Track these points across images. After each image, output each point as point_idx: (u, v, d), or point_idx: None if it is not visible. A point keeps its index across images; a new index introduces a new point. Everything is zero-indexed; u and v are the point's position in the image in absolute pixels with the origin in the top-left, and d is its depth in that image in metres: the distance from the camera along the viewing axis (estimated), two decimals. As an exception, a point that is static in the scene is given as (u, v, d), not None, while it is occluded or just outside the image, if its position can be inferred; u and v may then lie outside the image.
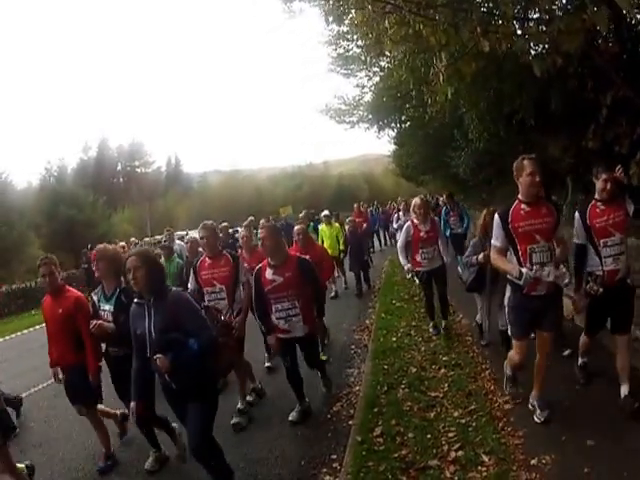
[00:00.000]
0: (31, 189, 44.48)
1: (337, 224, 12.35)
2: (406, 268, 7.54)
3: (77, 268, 26.15)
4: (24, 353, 10.94)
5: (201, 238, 5.64)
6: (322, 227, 12.20)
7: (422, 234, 7.22)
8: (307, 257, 5.53)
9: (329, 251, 10.59)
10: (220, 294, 5.55)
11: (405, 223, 8.01)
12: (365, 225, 15.97)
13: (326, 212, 12.80)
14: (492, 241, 4.34)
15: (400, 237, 7.69)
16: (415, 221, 7.33)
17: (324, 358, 6.78)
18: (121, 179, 61.60)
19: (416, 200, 7.58)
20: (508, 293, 4.42)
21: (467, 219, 11.76)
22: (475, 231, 7.50)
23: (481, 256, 5.67)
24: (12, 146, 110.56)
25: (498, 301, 5.76)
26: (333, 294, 11.78)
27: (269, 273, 5.07)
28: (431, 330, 7.60)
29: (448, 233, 10.93)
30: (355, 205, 17.78)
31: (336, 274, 12.09)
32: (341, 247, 11.82)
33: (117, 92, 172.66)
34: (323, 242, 11.61)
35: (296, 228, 7.51)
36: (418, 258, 7.34)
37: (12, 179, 36.71)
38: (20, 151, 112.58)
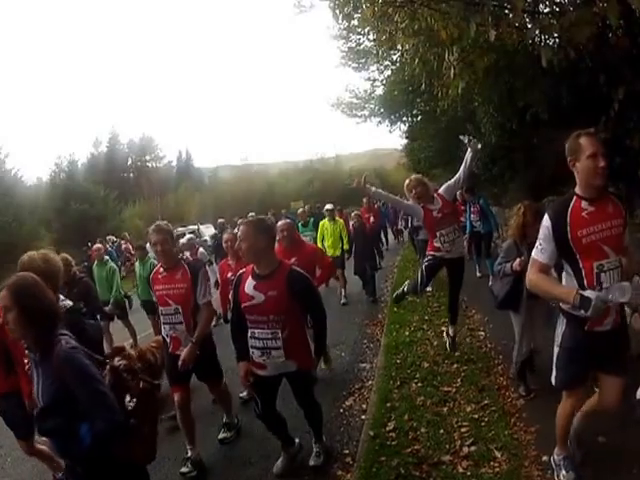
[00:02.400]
0: (41, 185, 44.17)
1: (341, 220, 11.15)
2: None
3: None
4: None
5: (154, 244, 4.44)
6: (323, 223, 10.94)
7: (434, 214, 5.85)
8: (294, 263, 4.30)
9: (330, 251, 10.27)
10: (176, 316, 4.44)
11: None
12: (373, 220, 14.11)
13: (329, 206, 11.47)
14: (533, 253, 3.11)
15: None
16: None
17: (325, 367, 6.35)
18: (132, 174, 61.27)
19: (407, 181, 6.16)
20: (560, 328, 3.18)
21: (493, 218, 10.35)
22: (506, 232, 7.05)
23: (517, 262, 4.36)
24: (21, 143, 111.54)
25: (541, 319, 4.57)
26: (344, 300, 10.56)
27: (249, 285, 3.84)
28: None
29: (468, 230, 10.42)
30: (364, 199, 15.08)
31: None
32: (345, 246, 10.67)
33: (127, 87, 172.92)
34: (324, 240, 10.75)
35: (280, 223, 5.82)
36: (437, 243, 5.95)
37: (22, 175, 36.23)
38: (29, 147, 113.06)
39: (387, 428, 4.60)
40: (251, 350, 3.87)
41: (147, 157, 62.39)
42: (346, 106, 19.57)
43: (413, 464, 3.91)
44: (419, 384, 5.54)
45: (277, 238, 4.95)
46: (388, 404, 5.12)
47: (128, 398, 2.67)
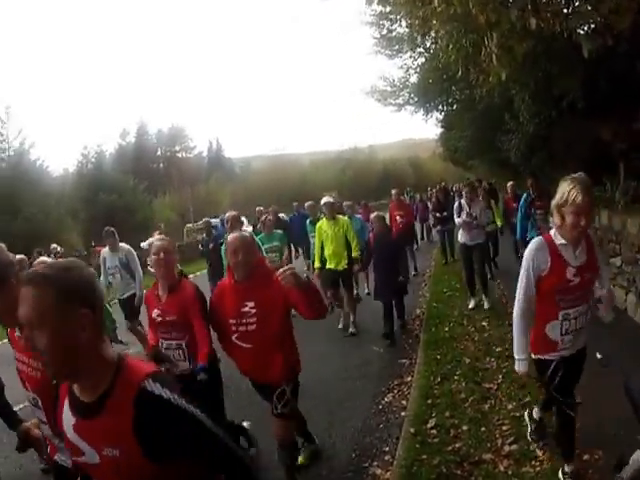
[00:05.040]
0: (68, 176, 43.66)
1: (344, 218, 8.51)
2: None
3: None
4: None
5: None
6: (321, 224, 8.21)
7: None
8: (255, 315, 3.43)
9: (332, 263, 8.03)
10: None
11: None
12: (403, 220, 12.02)
13: (327, 198, 8.53)
14: None
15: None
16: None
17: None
18: (161, 164, 61.48)
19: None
20: None
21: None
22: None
23: None
24: (48, 134, 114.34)
25: None
26: (352, 330, 8.03)
27: (67, 423, 1.99)
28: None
29: (533, 234, 7.33)
30: (393, 192, 12.55)
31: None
32: (354, 253, 8.00)
33: (156, 77, 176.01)
34: (323, 249, 8.13)
35: (230, 238, 3.60)
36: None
37: (48, 165, 35.96)
38: (56, 139, 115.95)
39: (428, 425, 4.58)
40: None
41: (177, 147, 62.51)
42: (380, 94, 19.36)
43: (454, 463, 3.89)
44: (460, 380, 5.50)
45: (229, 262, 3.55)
46: (429, 400, 5.10)
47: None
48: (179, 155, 62.83)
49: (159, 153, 61.77)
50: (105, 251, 8.09)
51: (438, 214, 13.27)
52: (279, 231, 9.22)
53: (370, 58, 19.92)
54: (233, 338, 3.52)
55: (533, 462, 3.65)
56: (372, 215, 8.80)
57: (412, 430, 4.53)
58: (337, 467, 4.26)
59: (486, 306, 8.17)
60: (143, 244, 7.39)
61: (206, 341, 3.70)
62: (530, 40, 6.80)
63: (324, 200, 8.36)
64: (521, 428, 4.17)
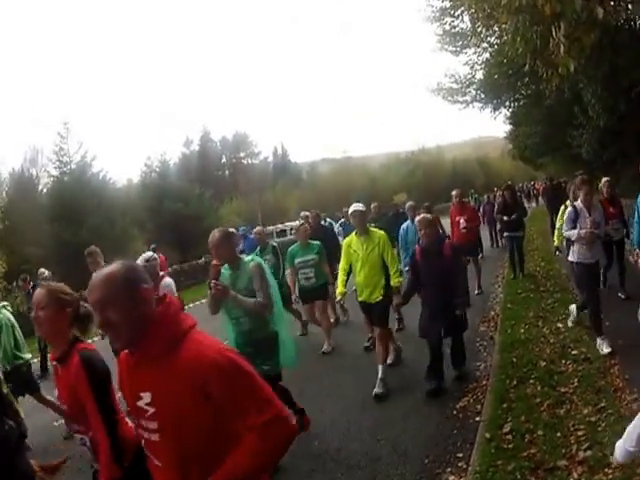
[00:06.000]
0: (132, 186, 44.74)
1: (381, 232, 6.38)
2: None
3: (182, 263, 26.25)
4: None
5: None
6: (349, 241, 6.41)
7: None
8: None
9: (364, 294, 6.31)
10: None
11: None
12: (466, 226, 10.30)
13: (356, 205, 6.43)
14: None
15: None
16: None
17: None
18: (227, 171, 62.50)
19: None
20: None
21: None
22: None
23: None
24: (111, 146, 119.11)
25: None
26: (375, 390, 5.96)
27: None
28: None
29: None
30: (454, 193, 10.79)
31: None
32: (392, 280, 6.14)
33: (217, 85, 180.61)
34: (349, 274, 6.55)
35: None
36: None
37: (111, 177, 36.85)
38: (119, 150, 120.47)
39: (503, 430, 4.55)
40: None
41: (242, 154, 63.25)
42: (447, 92, 19.23)
43: (529, 469, 3.87)
44: (536, 384, 5.43)
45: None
46: (504, 405, 5.06)
47: None
48: (244, 162, 63.61)
49: (224, 160, 62.82)
50: None
51: (506, 217, 11.15)
52: (317, 242, 8.05)
53: (436, 55, 19.90)
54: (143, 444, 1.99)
55: (606, 469, 3.60)
56: (417, 218, 6.41)
57: (487, 435, 4.51)
58: (408, 474, 4.27)
59: (605, 350, 5.80)
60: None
61: (106, 442, 2.44)
62: (597, 31, 6.66)
63: (352, 208, 6.38)
64: (596, 434, 4.12)
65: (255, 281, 4.49)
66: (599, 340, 5.96)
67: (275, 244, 9.01)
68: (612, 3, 5.64)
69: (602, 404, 4.62)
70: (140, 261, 5.83)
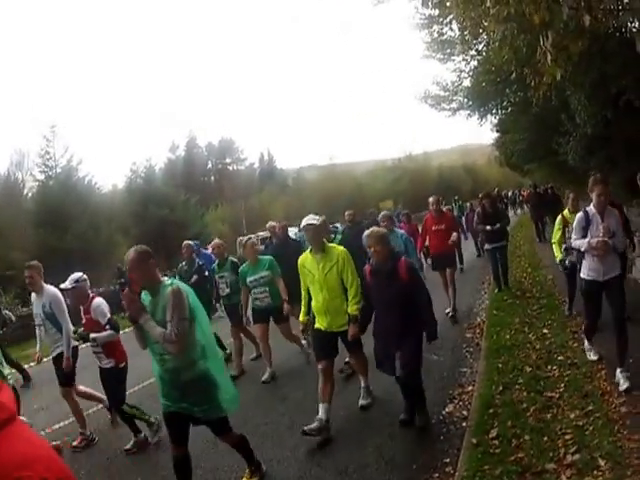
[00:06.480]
0: (117, 192, 43.88)
1: (340, 248, 5.42)
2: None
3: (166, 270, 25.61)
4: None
5: None
6: (303, 260, 5.49)
7: None
8: None
9: (324, 320, 5.39)
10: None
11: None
12: (441, 233, 9.41)
13: (309, 218, 5.43)
14: None
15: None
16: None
17: None
18: (212, 177, 61.97)
19: None
20: None
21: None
22: None
23: None
24: (96, 151, 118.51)
25: None
26: (360, 401, 5.81)
27: None
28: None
29: None
30: (430, 199, 10.00)
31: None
32: (350, 308, 5.22)
33: (204, 91, 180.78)
34: (310, 302, 5.63)
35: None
36: None
37: (96, 182, 36.28)
38: (105, 155, 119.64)
39: (490, 435, 4.54)
40: None
41: (228, 160, 62.82)
42: (433, 99, 19.30)
43: (517, 473, 3.86)
44: (522, 389, 5.43)
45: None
46: (490, 410, 5.05)
47: None
48: (230, 168, 63.26)
49: (210, 166, 62.33)
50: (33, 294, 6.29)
51: (489, 227, 10.29)
52: (268, 257, 7.46)
53: (423, 63, 20.04)
54: None
55: (595, 472, 3.60)
56: (365, 232, 5.19)
57: (474, 440, 4.50)
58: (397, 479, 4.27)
59: (624, 386, 4.83)
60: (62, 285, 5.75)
61: None
62: (585, 39, 6.71)
63: (305, 221, 5.40)
64: (584, 437, 4.12)
65: (167, 310, 3.79)
66: (587, 345, 5.87)
67: (235, 259, 8.39)
68: (601, 11, 5.66)
69: (590, 408, 4.62)
70: (68, 282, 5.62)
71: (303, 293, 5.71)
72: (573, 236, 5.29)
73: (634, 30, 6.14)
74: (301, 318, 5.86)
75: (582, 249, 5.16)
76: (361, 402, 5.75)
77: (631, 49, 5.40)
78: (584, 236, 5.07)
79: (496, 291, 10.54)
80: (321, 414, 5.14)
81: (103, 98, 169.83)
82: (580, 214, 5.23)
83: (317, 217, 5.50)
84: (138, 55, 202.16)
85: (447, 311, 9.24)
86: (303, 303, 5.76)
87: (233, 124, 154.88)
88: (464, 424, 5.01)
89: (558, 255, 7.37)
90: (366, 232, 5.10)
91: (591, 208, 5.11)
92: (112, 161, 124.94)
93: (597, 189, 5.01)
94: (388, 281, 4.87)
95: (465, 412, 5.31)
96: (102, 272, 29.58)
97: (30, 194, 34.93)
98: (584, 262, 5.26)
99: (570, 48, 6.37)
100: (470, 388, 5.93)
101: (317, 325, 5.52)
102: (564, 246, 6.25)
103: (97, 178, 43.91)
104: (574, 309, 7.76)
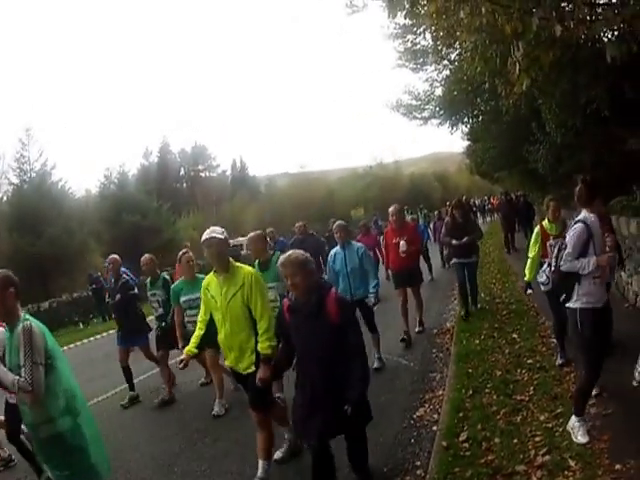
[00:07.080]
0: (90, 197, 43.65)
1: (250, 269, 4.48)
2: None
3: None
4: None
5: None
6: (207, 283, 4.48)
7: None
8: None
9: (231, 357, 4.41)
10: None
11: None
12: (403, 254, 8.15)
13: (212, 231, 4.34)
14: None
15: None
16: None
17: None
18: (185, 184, 61.81)
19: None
20: None
21: None
22: None
23: None
24: (69, 155, 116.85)
25: None
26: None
27: None
28: None
29: None
30: (391, 209, 8.43)
31: None
32: (261, 346, 4.14)
33: (177, 97, 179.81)
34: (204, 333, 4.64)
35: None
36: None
37: (70, 187, 36.25)
38: (78, 160, 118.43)
39: (460, 438, 4.56)
40: None
41: (200, 167, 62.80)
42: (405, 108, 19.37)
43: (487, 475, 3.87)
44: (492, 393, 5.46)
45: None
46: (460, 414, 5.07)
47: None
48: (203, 174, 63.17)
49: (182, 173, 62.12)
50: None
51: (455, 241, 8.87)
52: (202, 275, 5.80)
53: (395, 72, 20.12)
54: None
55: (566, 472, 3.62)
56: (281, 259, 3.95)
57: (444, 444, 4.51)
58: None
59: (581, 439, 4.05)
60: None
61: None
62: (557, 49, 6.81)
63: (206, 235, 4.30)
64: (554, 439, 4.14)
65: (20, 352, 3.08)
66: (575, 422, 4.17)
67: (167, 276, 7.49)
68: (572, 21, 5.72)
69: (559, 410, 4.65)
70: None
71: (198, 324, 4.66)
72: (567, 257, 4.04)
73: (605, 40, 6.23)
74: (187, 349, 4.59)
75: (585, 272, 3.99)
76: (278, 455, 4.79)
77: (602, 59, 5.48)
78: (583, 253, 4.01)
79: (462, 314, 9.09)
80: (260, 473, 4.34)
81: (77, 102, 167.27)
82: (580, 226, 4.02)
83: (220, 230, 4.39)
84: (113, 60, 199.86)
85: (416, 329, 8.64)
86: (195, 336, 4.64)
87: (206, 131, 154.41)
88: (434, 428, 5.02)
89: (529, 276, 6.05)
90: (281, 258, 3.93)
91: (590, 216, 4.05)
92: (85, 166, 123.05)
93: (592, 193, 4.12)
94: (311, 321, 3.77)
95: (436, 416, 5.31)
96: (75, 277, 29.41)
97: (5, 198, 34.58)
98: (577, 288, 4.07)
99: (541, 58, 6.45)
100: (440, 392, 5.94)
101: (226, 363, 4.66)
102: (544, 267, 4.94)
103: (71, 183, 43.51)
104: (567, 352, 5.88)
